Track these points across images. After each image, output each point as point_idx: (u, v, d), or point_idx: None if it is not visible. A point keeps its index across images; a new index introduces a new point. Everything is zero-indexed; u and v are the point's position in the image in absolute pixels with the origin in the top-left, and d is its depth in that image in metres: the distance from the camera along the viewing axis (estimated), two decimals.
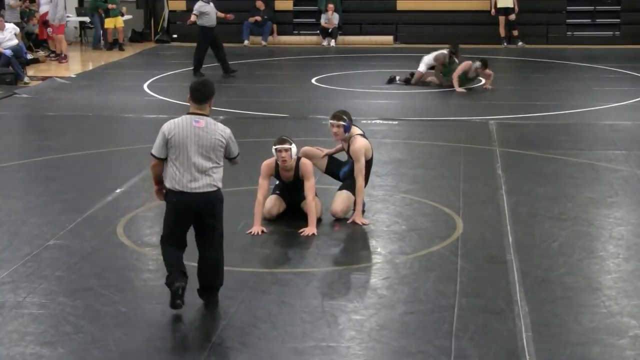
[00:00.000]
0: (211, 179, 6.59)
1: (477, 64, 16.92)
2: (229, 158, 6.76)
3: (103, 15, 24.35)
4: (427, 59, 17.72)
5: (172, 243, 6.72)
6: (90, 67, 21.61)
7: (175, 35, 26.30)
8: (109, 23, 24.38)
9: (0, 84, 17.84)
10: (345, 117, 8.91)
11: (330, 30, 25.16)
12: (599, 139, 12.84)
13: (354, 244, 8.50)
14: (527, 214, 9.13)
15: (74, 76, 19.62)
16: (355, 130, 9.02)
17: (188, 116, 6.64)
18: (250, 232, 8.48)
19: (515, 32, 24.49)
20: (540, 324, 6.44)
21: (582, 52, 23.16)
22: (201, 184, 6.56)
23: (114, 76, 19.68)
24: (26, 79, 18.51)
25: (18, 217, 9.13)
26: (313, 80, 18.41)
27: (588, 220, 8.98)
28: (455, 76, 16.97)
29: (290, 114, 14.78)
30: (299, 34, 25.98)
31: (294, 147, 8.67)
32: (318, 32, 25.49)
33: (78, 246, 8.19)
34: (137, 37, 26.42)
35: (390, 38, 25.44)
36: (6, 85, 17.81)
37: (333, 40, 25.18)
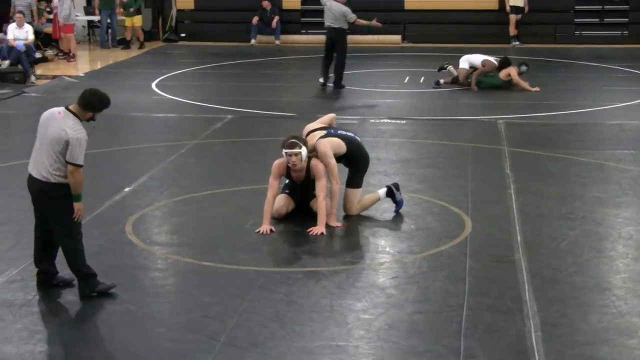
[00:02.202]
0: (45, 170, 6.84)
1: (523, 68, 16.96)
2: (67, 162, 6.79)
3: (122, 11, 24.51)
4: (473, 59, 17.20)
5: (35, 225, 7.10)
6: (99, 66, 21.65)
7: (183, 35, 26.34)
8: (128, 21, 24.58)
9: (9, 83, 17.88)
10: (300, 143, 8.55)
11: None
12: (607, 138, 12.81)
13: (362, 243, 8.49)
14: (536, 214, 9.12)
15: (83, 75, 19.65)
16: (315, 136, 8.79)
17: (60, 108, 6.92)
18: (259, 231, 8.47)
19: (516, 31, 24.47)
20: (548, 323, 6.43)
21: (590, 51, 23.12)
22: (37, 171, 6.89)
23: (122, 75, 19.70)
24: (33, 79, 18.54)
25: (25, 215, 9.10)
26: (321, 79, 18.38)
27: (596, 220, 8.96)
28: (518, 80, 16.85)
29: (297, 113, 14.76)
30: (307, 33, 25.97)
31: (304, 150, 8.55)
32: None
33: (86, 245, 8.12)
34: (145, 36, 26.45)
35: (398, 37, 25.41)
36: (15, 84, 17.84)
37: None
